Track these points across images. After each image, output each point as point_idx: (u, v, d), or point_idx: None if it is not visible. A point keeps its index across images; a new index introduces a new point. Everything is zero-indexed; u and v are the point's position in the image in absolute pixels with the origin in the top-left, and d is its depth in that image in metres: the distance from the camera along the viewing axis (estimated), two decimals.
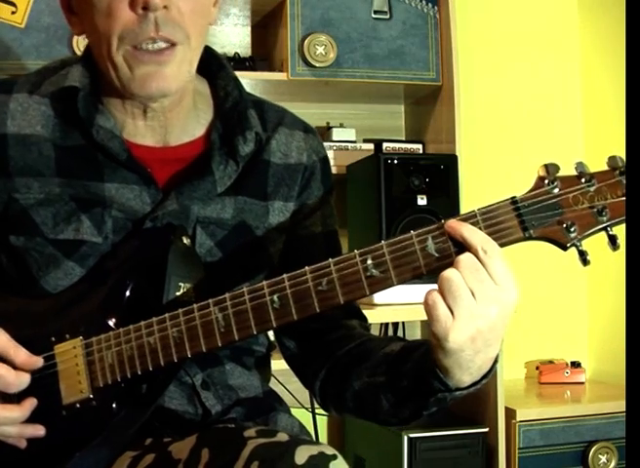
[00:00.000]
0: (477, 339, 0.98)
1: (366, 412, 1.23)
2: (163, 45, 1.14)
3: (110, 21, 1.13)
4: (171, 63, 1.16)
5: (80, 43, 2.22)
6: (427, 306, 0.99)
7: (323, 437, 2.63)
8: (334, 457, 1.00)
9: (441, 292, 0.98)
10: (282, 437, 1.04)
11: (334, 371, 1.26)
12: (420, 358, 1.07)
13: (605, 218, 0.99)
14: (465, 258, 0.98)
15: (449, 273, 0.98)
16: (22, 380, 1.13)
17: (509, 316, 1.00)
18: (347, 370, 1.23)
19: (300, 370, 1.36)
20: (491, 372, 1.06)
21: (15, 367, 1.13)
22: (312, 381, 1.31)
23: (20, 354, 1.13)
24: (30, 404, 1.13)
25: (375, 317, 2.23)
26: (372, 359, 1.20)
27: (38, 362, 1.15)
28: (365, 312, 2.08)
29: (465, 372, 1.02)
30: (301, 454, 0.98)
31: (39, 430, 1.14)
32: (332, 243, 1.37)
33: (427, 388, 1.06)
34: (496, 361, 1.05)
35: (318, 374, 1.29)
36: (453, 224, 1.00)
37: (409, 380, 1.10)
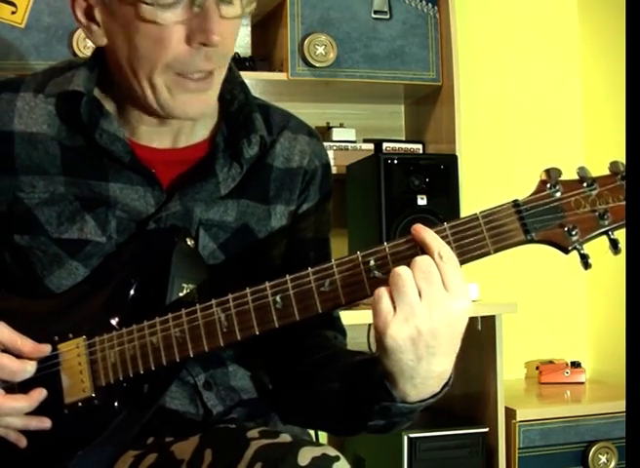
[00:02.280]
0: (418, 342, 0.98)
1: (317, 419, 1.25)
2: (204, 72, 1.15)
3: (159, 49, 1.12)
4: (212, 89, 1.18)
5: (80, 43, 2.22)
6: (373, 300, 0.99)
7: (323, 437, 2.63)
8: (336, 459, 1.00)
9: (389, 286, 0.98)
10: (285, 438, 1.05)
11: (297, 379, 1.28)
12: (374, 367, 1.07)
13: (606, 222, 0.99)
14: (421, 259, 0.98)
15: (399, 269, 0.98)
16: (27, 368, 1.13)
17: (459, 328, 1.00)
18: (309, 377, 1.24)
19: (269, 373, 1.36)
20: (440, 393, 1.05)
21: (21, 357, 1.14)
22: (278, 386, 1.32)
23: (27, 343, 1.14)
24: (38, 394, 1.14)
25: None
26: (333, 367, 1.21)
27: (45, 349, 1.15)
28: (365, 312, 2.07)
29: (409, 383, 1.02)
30: (304, 456, 0.99)
31: (44, 422, 1.14)
32: (321, 250, 1.37)
33: (372, 395, 1.06)
34: (447, 383, 1.05)
35: (283, 381, 1.31)
36: (417, 228, 1.01)
37: (359, 387, 1.11)
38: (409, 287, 0.97)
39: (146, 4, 1.10)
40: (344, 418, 1.17)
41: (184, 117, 1.20)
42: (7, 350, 1.13)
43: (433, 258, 0.98)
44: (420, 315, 0.97)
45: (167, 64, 1.13)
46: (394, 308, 0.98)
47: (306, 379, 1.25)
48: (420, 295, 0.97)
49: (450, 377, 1.05)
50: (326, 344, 1.30)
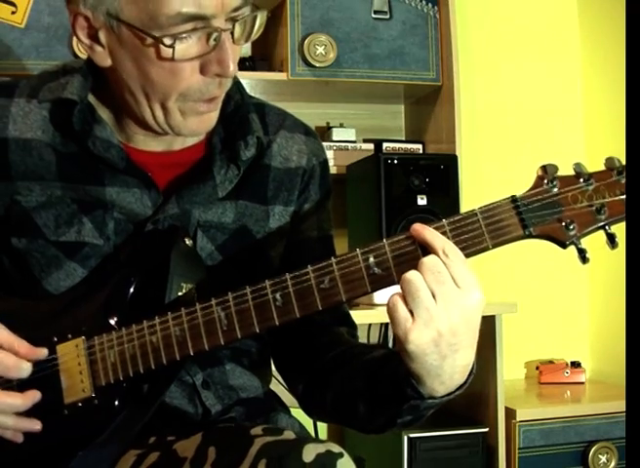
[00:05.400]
0: (440, 343, 0.98)
1: (343, 418, 1.24)
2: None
3: (174, 80, 1.12)
4: (217, 107, 1.19)
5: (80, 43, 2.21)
6: (388, 309, 1.00)
7: (323, 437, 2.63)
8: (340, 455, 1.01)
9: (402, 293, 0.99)
10: (289, 435, 1.05)
11: (317, 376, 1.28)
12: (397, 365, 1.07)
13: (603, 217, 1.00)
14: (428, 260, 0.98)
15: (410, 275, 0.98)
16: (22, 366, 1.13)
17: (476, 321, 1.00)
18: (330, 375, 1.24)
19: (283, 371, 1.37)
20: (466, 384, 1.06)
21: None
22: (295, 385, 1.33)
23: (23, 345, 1.14)
24: (33, 394, 1.13)
25: (375, 317, 2.23)
26: (353, 365, 1.21)
27: (41, 352, 1.15)
28: (365, 312, 2.07)
29: (436, 380, 1.02)
30: (309, 452, 0.99)
31: (35, 424, 1.14)
32: (327, 248, 1.37)
33: (401, 395, 1.06)
34: (471, 372, 1.06)
35: (301, 378, 1.31)
36: (417, 228, 1.01)
37: (385, 386, 1.11)
38: (422, 291, 0.97)
39: (165, 46, 1.08)
40: (372, 417, 1.17)
41: (191, 135, 1.22)
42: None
43: (439, 257, 0.98)
44: (439, 317, 0.97)
45: (181, 93, 1.14)
46: (411, 314, 0.98)
47: (326, 378, 1.25)
48: (434, 298, 0.97)
49: (473, 366, 1.05)
50: (340, 340, 1.30)
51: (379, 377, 1.13)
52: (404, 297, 0.98)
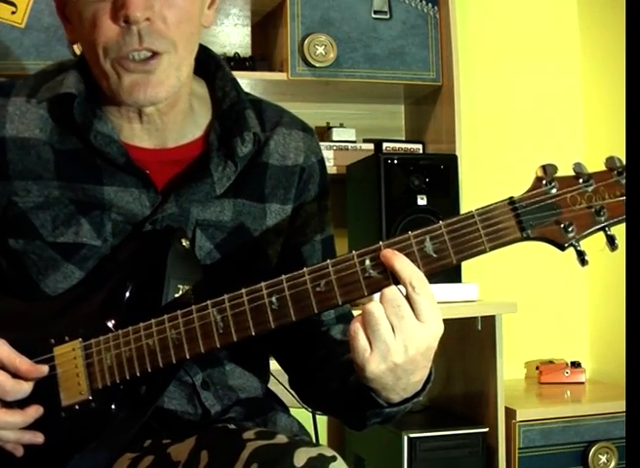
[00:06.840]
0: (396, 370, 1.01)
1: (328, 413, 1.32)
2: (148, 54, 1.14)
3: (95, 32, 1.13)
4: (157, 72, 1.16)
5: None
6: (349, 336, 1.02)
7: (323, 437, 2.63)
8: (333, 459, 1.01)
9: (363, 323, 1.00)
10: (281, 439, 1.05)
11: (305, 373, 1.32)
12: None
13: (603, 218, 0.99)
14: (390, 292, 1.00)
15: (371, 306, 1.00)
16: (20, 389, 1.13)
17: (434, 349, 1.03)
18: (314, 373, 1.28)
19: (283, 366, 1.40)
20: (424, 390, 1.09)
21: (19, 376, 1.13)
22: (291, 379, 1.37)
23: (24, 363, 1.13)
24: (35, 411, 1.13)
25: None
26: (332, 365, 1.23)
27: (42, 369, 1.14)
28: None
29: (391, 393, 1.06)
30: (300, 456, 0.99)
31: (38, 437, 1.14)
32: (329, 249, 1.38)
33: (363, 401, 1.10)
34: (427, 381, 1.09)
35: (295, 374, 1.35)
36: (387, 254, 1.01)
37: (351, 392, 1.13)
38: (382, 324, 0.99)
39: None
40: (347, 417, 1.21)
41: (133, 103, 1.18)
42: (4, 368, 1.13)
43: (406, 288, 1.00)
44: (396, 350, 1.00)
45: (104, 48, 1.14)
46: (370, 345, 1.00)
47: (311, 376, 1.29)
48: (393, 331, 0.99)
49: (430, 374, 1.08)
50: (332, 339, 1.32)
51: (348, 383, 1.15)
52: (363, 326, 1.00)
